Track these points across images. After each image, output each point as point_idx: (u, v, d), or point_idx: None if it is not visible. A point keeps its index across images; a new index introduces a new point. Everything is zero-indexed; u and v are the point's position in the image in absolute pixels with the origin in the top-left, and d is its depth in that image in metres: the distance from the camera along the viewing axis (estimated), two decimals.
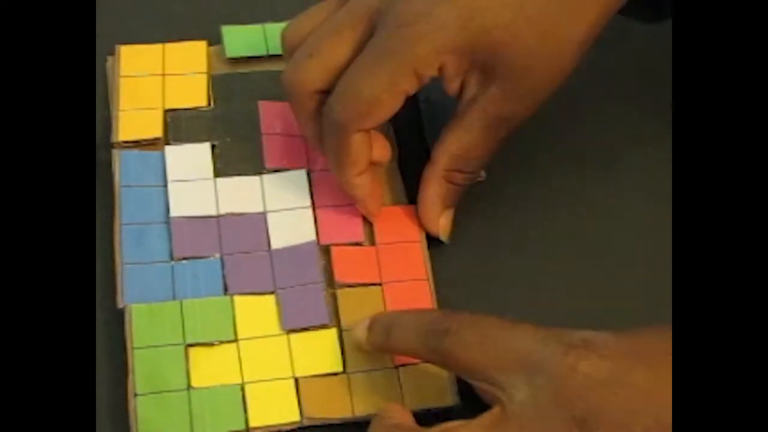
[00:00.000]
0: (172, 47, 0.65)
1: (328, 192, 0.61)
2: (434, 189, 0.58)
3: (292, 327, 0.56)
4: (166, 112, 0.63)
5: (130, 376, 0.54)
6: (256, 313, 0.57)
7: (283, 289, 0.57)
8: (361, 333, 0.55)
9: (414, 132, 0.64)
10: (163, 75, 0.64)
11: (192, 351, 0.55)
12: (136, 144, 0.62)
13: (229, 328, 0.56)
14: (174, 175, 0.60)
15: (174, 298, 0.57)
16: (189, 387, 0.54)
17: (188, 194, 0.60)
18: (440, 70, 0.55)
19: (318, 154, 0.61)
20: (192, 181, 0.60)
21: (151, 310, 0.56)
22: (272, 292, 0.57)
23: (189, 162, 0.61)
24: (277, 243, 0.59)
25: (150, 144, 0.62)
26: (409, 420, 0.52)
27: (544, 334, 0.49)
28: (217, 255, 0.58)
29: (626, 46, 0.67)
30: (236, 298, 0.57)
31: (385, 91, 0.55)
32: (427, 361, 0.53)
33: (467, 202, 0.61)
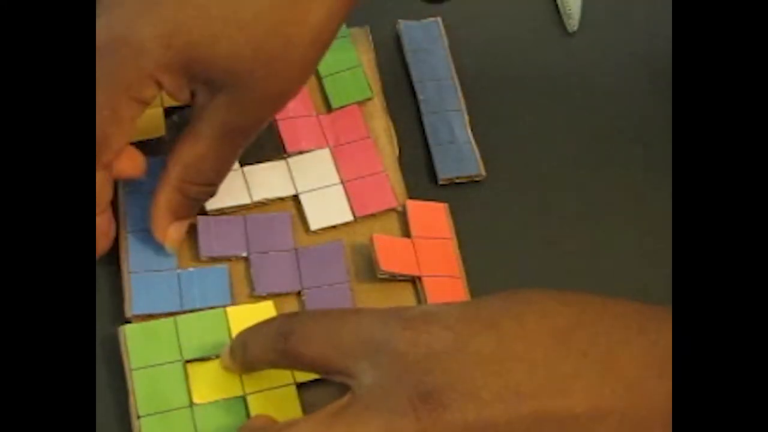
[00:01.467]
0: None
1: (351, 165, 0.61)
2: (165, 199, 0.56)
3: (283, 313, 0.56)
4: (167, 110, 0.63)
5: (131, 398, 0.53)
6: (252, 322, 0.56)
7: (309, 289, 0.57)
8: (225, 358, 0.54)
9: (414, 131, 0.64)
10: None
11: (191, 367, 0.55)
12: (139, 145, 0.62)
13: (225, 341, 0.55)
14: None
15: (182, 306, 0.56)
16: (191, 404, 0.53)
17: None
18: (159, 87, 0.53)
19: (335, 129, 0.62)
20: None
21: (145, 329, 0.55)
22: (298, 293, 0.57)
23: None
24: (315, 224, 0.59)
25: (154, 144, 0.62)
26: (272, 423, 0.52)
27: (384, 315, 0.48)
28: (244, 254, 0.58)
29: (625, 46, 0.67)
30: (229, 309, 0.56)
31: (109, 125, 0.52)
32: (283, 367, 0.52)
33: (468, 200, 0.61)
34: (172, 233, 0.56)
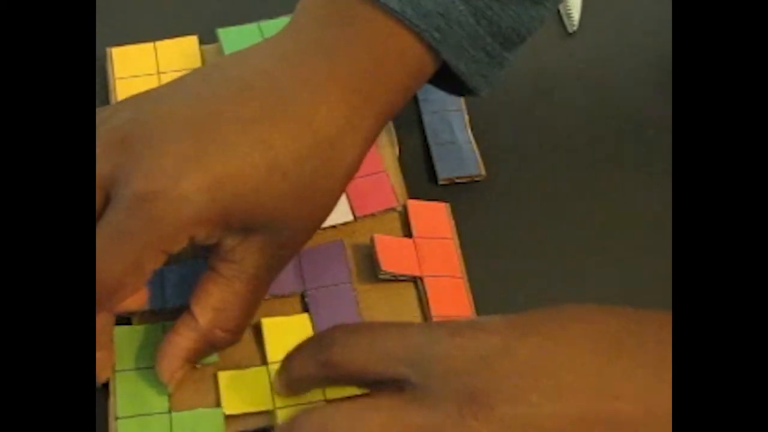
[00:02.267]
0: (163, 45, 0.65)
1: None
2: (187, 346, 0.52)
3: (324, 329, 0.56)
4: None
5: (111, 399, 0.53)
6: (285, 334, 0.56)
7: (312, 290, 0.57)
8: (274, 381, 0.53)
9: (414, 131, 0.64)
10: (158, 73, 0.64)
11: (222, 376, 0.54)
12: None
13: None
14: None
15: (164, 303, 0.56)
16: (171, 410, 0.53)
17: None
18: (192, 239, 0.50)
19: None
20: None
21: (132, 331, 0.55)
22: (301, 294, 0.57)
23: None
24: None
25: None
26: None
27: (429, 325, 0.49)
28: None
29: (625, 46, 0.67)
30: (264, 321, 0.56)
31: (129, 275, 0.49)
32: (324, 382, 0.51)
33: (468, 200, 0.61)
34: (179, 375, 0.53)
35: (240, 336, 0.53)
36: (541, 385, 0.44)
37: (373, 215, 0.60)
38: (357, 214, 0.59)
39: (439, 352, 0.46)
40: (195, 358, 0.53)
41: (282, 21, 0.66)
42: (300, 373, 0.51)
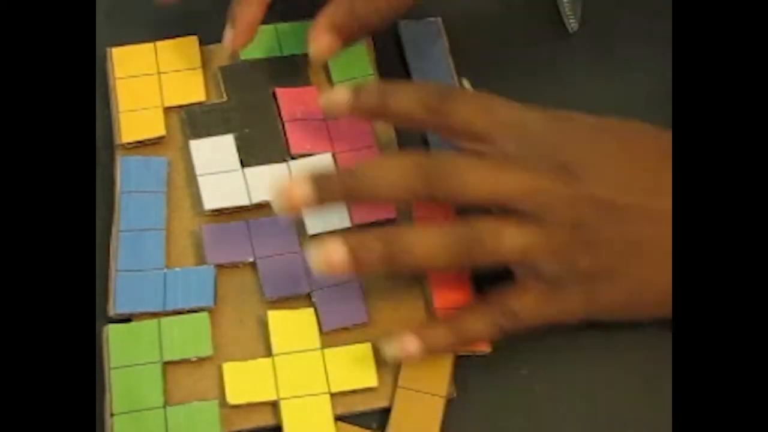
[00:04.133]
0: (163, 45, 0.65)
1: None
2: (330, 11, 0.59)
3: (331, 328, 0.56)
4: (169, 109, 0.63)
5: (107, 396, 0.54)
6: (291, 328, 0.56)
7: (319, 290, 0.57)
8: (342, 95, 0.56)
9: (414, 132, 0.64)
10: (159, 73, 0.64)
11: (226, 368, 0.55)
12: (141, 144, 0.62)
13: (206, 345, 0.55)
14: (202, 169, 0.61)
15: (164, 306, 0.56)
16: (165, 405, 0.54)
17: (219, 186, 0.60)
18: None
19: (341, 135, 0.62)
20: (220, 173, 0.61)
21: (128, 329, 0.56)
22: (308, 294, 0.57)
23: (214, 155, 0.61)
24: (313, 228, 0.59)
25: (154, 143, 0.62)
26: None
27: (534, 107, 0.55)
28: (251, 259, 0.58)
29: (625, 46, 0.67)
30: (270, 313, 0.56)
31: None
32: (420, 124, 0.56)
33: None
34: (325, 39, 0.59)
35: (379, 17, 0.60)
36: (617, 172, 0.52)
37: (371, 224, 0.59)
38: (354, 222, 0.59)
39: (539, 129, 0.53)
40: (341, 28, 0.59)
41: (285, 24, 0.66)
42: (401, 105, 0.56)
